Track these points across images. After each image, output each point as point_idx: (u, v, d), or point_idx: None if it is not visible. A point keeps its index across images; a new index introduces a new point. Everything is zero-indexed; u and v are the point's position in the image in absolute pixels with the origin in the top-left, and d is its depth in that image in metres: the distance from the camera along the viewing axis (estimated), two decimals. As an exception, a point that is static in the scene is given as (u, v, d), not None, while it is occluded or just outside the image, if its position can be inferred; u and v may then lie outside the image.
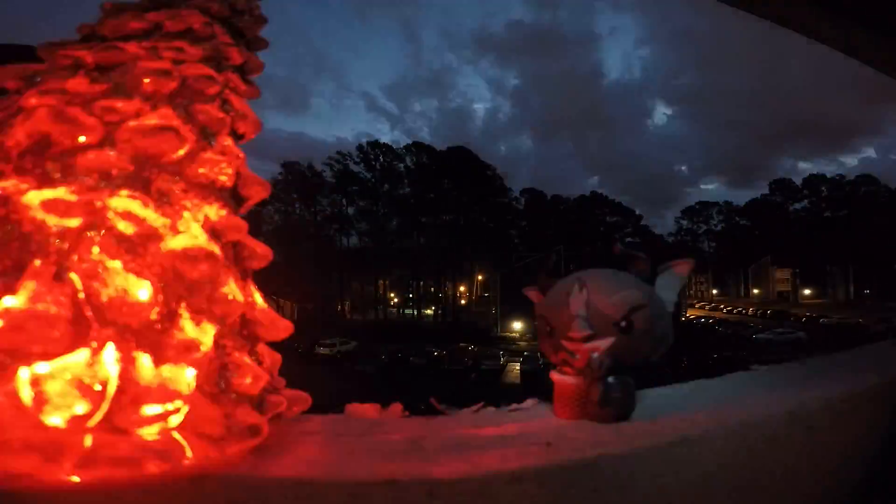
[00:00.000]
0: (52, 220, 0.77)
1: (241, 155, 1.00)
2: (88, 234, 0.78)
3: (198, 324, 0.83)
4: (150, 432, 0.75)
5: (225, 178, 0.94)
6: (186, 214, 0.86)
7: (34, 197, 0.77)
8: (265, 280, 1.04)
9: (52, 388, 0.71)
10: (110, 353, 0.75)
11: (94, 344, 0.74)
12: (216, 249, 0.87)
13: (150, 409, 0.74)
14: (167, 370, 0.78)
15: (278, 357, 1.04)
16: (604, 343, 0.96)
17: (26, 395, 0.70)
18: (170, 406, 0.76)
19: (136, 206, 0.81)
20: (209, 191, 0.92)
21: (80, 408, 0.71)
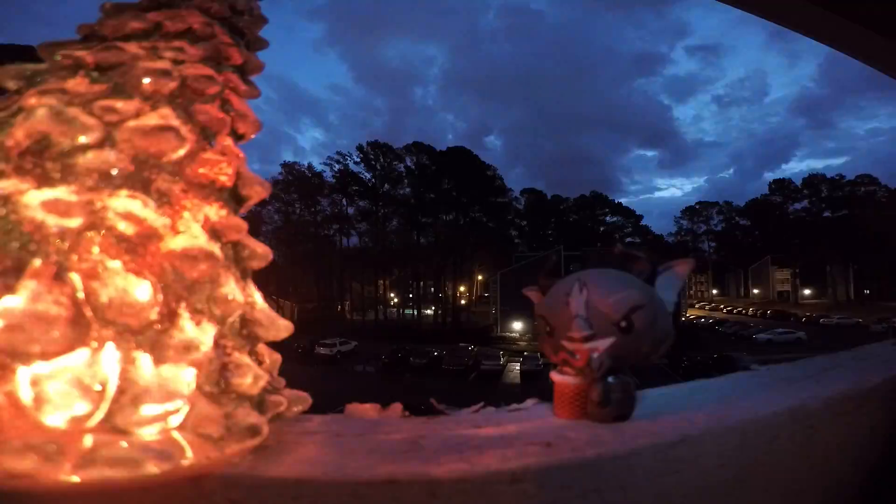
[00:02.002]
0: (52, 220, 0.76)
1: (241, 155, 1.00)
2: (88, 234, 0.78)
3: (198, 324, 0.83)
4: (150, 432, 0.75)
5: (225, 178, 0.94)
6: (186, 214, 0.86)
7: (34, 197, 0.77)
8: (265, 280, 1.04)
9: (52, 388, 0.71)
10: (110, 353, 0.75)
11: (94, 344, 0.74)
12: (216, 249, 0.87)
13: (150, 409, 0.74)
14: (167, 370, 0.78)
15: (278, 357, 1.04)
16: (604, 343, 0.96)
17: (26, 395, 0.70)
18: (170, 406, 0.76)
19: (136, 206, 0.81)
20: (209, 191, 0.92)
21: (80, 408, 0.71)
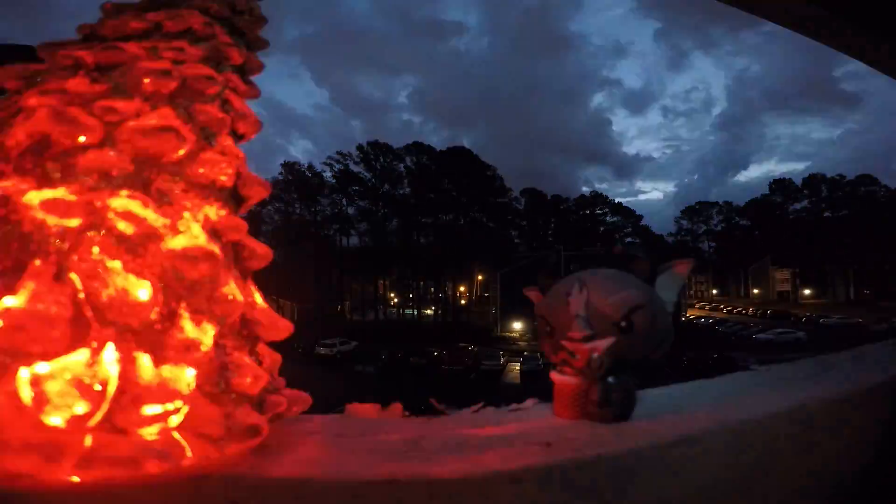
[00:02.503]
0: (52, 220, 0.77)
1: (241, 155, 1.00)
2: (88, 234, 0.78)
3: (198, 324, 0.83)
4: (150, 432, 0.75)
5: (225, 178, 0.94)
6: (186, 214, 0.86)
7: (34, 197, 0.77)
8: (265, 280, 1.04)
9: (52, 388, 0.71)
10: (110, 353, 0.75)
11: (94, 344, 0.74)
12: (216, 249, 0.87)
13: (150, 409, 0.74)
14: (167, 370, 0.78)
15: (278, 357, 1.04)
16: (604, 343, 0.96)
17: (26, 395, 0.70)
18: (170, 406, 0.76)
19: (136, 206, 0.81)
20: (209, 191, 0.92)
21: (80, 408, 0.71)
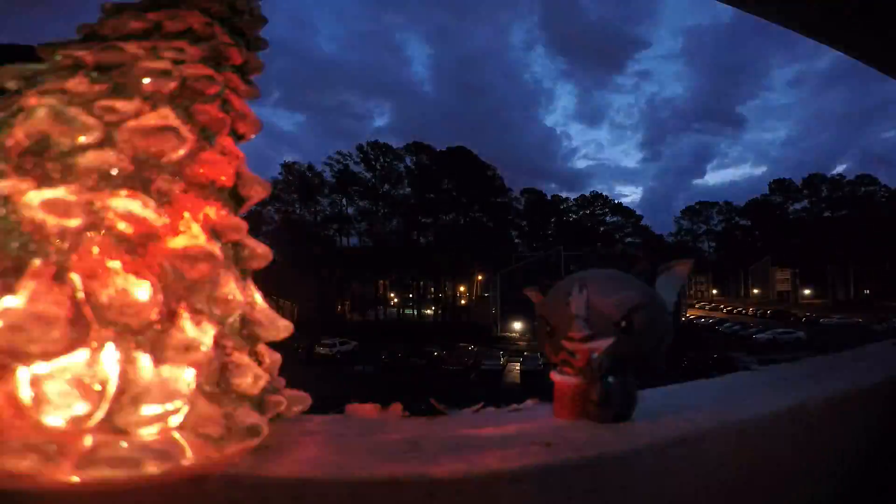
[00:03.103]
0: (52, 220, 0.76)
1: (241, 155, 1.00)
2: (88, 234, 0.78)
3: (198, 324, 0.83)
4: (150, 432, 0.75)
5: (225, 178, 0.94)
6: (186, 214, 0.86)
7: (34, 197, 0.77)
8: (265, 280, 1.04)
9: (51, 388, 0.71)
10: (110, 353, 0.75)
11: (94, 344, 0.74)
12: (216, 249, 0.87)
13: (150, 409, 0.74)
14: (167, 370, 0.78)
15: (278, 357, 1.04)
16: (604, 343, 0.96)
17: (26, 395, 0.70)
18: (170, 406, 0.76)
19: (136, 206, 0.81)
20: (209, 191, 0.92)
21: (80, 408, 0.71)
